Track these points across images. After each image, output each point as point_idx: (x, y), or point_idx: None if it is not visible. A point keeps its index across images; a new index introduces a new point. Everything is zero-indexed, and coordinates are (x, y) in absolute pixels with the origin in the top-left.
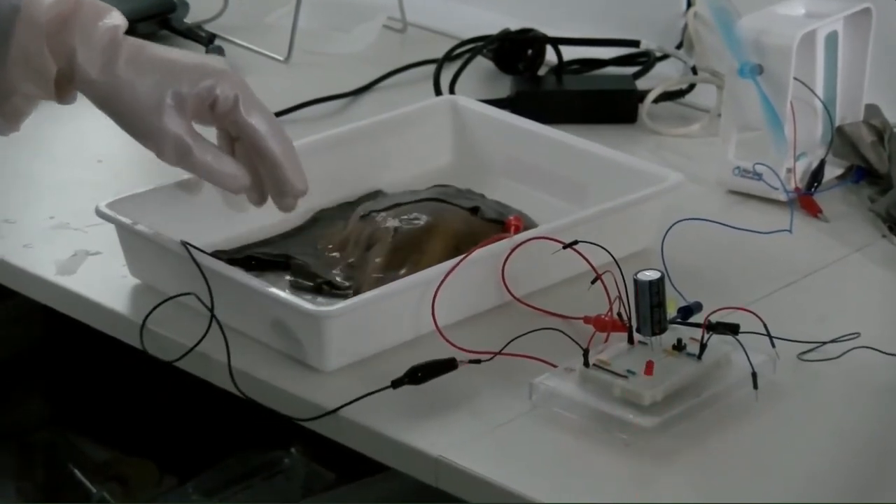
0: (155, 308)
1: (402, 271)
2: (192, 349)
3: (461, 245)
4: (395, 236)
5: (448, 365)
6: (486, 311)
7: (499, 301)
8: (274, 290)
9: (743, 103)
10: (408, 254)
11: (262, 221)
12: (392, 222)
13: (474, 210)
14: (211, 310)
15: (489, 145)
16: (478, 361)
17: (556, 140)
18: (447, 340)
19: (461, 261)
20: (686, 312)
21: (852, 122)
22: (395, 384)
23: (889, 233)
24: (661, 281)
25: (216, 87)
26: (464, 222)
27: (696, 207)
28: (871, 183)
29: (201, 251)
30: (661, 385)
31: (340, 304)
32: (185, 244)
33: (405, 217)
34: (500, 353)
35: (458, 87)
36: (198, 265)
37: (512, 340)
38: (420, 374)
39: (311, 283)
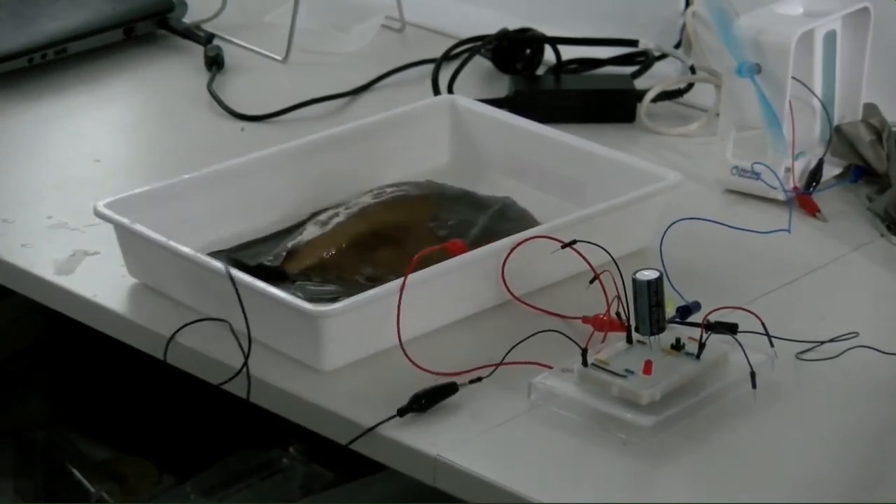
0: (183, 326)
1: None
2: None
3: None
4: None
5: (449, 389)
6: (485, 310)
7: (498, 300)
8: (272, 290)
9: (741, 102)
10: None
11: (259, 221)
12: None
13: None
14: (236, 325)
15: (487, 145)
16: (478, 380)
17: (554, 139)
18: (411, 361)
19: (411, 268)
20: (684, 312)
21: (851, 122)
22: (402, 412)
23: (887, 232)
24: (659, 280)
25: None
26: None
27: (695, 207)
28: (870, 182)
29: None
30: (659, 384)
31: (338, 304)
32: (227, 266)
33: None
34: (501, 363)
35: (456, 86)
36: (233, 282)
37: (512, 348)
38: (424, 401)
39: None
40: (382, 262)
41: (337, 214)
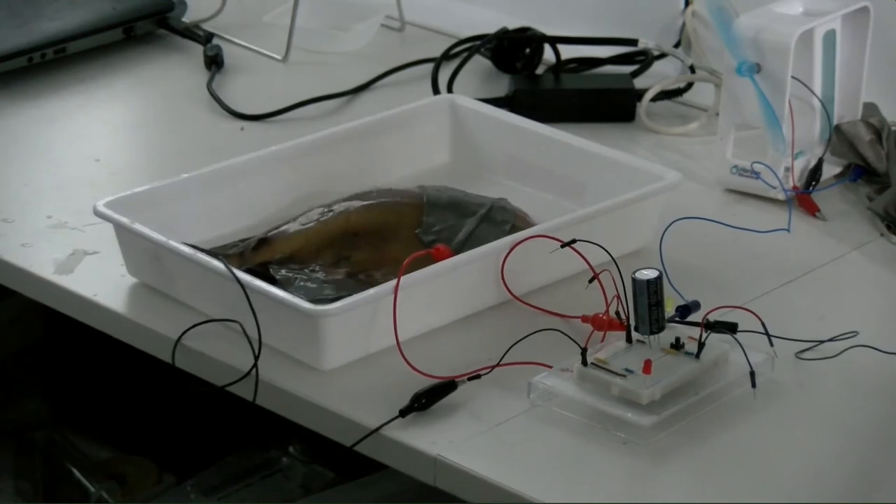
0: (192, 327)
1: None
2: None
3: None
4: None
5: (449, 387)
6: (484, 310)
7: (498, 300)
8: (272, 289)
9: (741, 102)
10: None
11: (259, 220)
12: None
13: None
14: (246, 328)
15: (487, 144)
16: (477, 377)
17: (554, 139)
18: (410, 365)
19: (402, 271)
20: (684, 311)
21: (850, 121)
22: (403, 413)
23: (887, 231)
24: (659, 280)
25: None
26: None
27: (694, 206)
28: (869, 181)
29: (190, 247)
30: (659, 384)
31: (337, 304)
32: (227, 265)
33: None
34: (497, 365)
35: (456, 85)
36: (238, 281)
37: (511, 347)
38: (424, 400)
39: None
40: (358, 262)
41: (321, 212)
